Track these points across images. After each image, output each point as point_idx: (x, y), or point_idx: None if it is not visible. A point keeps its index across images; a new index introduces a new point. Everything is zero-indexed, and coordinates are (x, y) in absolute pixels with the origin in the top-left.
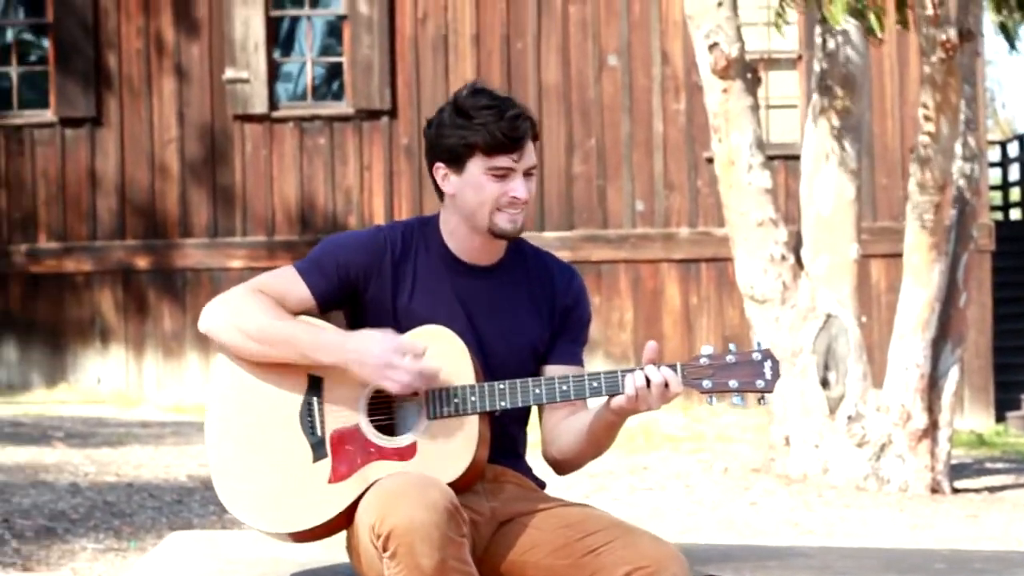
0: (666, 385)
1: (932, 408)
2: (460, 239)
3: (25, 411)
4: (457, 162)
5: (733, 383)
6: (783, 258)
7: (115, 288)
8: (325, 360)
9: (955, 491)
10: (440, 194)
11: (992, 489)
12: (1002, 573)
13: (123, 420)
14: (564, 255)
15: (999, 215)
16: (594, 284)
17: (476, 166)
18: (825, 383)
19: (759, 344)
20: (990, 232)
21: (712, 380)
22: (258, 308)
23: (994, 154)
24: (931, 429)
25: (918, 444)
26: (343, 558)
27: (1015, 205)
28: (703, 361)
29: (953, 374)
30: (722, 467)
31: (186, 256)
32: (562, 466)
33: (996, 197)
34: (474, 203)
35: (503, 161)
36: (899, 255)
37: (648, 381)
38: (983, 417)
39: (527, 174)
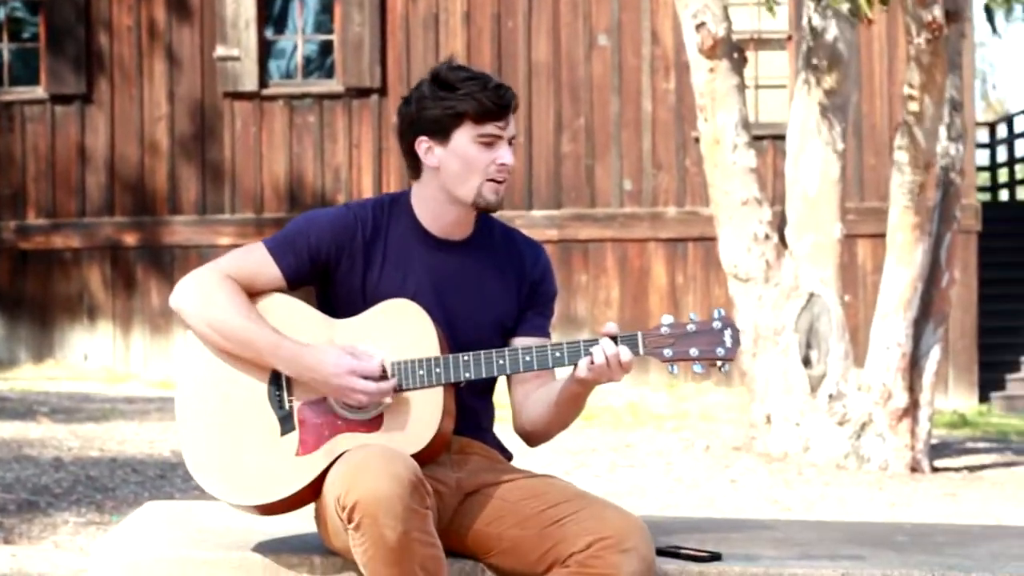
0: (619, 359)
1: (913, 387)
2: (434, 214)
3: (11, 387)
4: (442, 133)
5: (694, 351)
6: (767, 237)
7: (103, 264)
8: (284, 371)
9: (935, 470)
10: (414, 170)
11: (972, 468)
12: (963, 545)
13: (109, 396)
14: (552, 234)
15: (987, 196)
16: (581, 263)
17: (463, 135)
18: (807, 362)
19: (719, 312)
20: (976, 213)
21: (673, 349)
22: (227, 303)
23: (984, 135)
24: (912, 408)
25: (898, 423)
26: (312, 528)
27: (1003, 186)
28: (664, 330)
29: (935, 354)
30: (704, 445)
31: (174, 233)
32: (532, 438)
33: (985, 178)
34: (461, 172)
35: (491, 128)
36: (885, 235)
37: (604, 354)
38: (967, 397)
39: (509, 143)
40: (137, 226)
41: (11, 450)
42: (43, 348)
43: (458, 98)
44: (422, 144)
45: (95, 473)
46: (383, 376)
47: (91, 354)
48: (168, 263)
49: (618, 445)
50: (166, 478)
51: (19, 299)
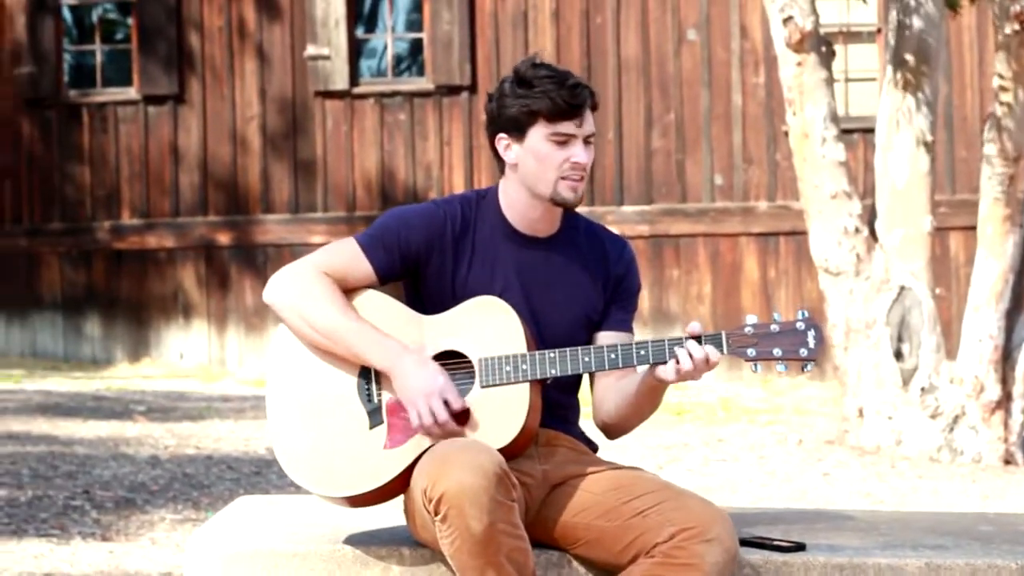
0: (707, 360)
1: (1006, 379)
2: (519, 210)
3: (108, 385)
4: (519, 130)
5: (777, 351)
6: (857, 231)
7: (197, 264)
8: (377, 367)
9: None
10: (501, 166)
11: None
12: None
13: (205, 394)
14: (643, 229)
15: None
16: (673, 258)
17: (538, 133)
18: (899, 355)
19: (803, 313)
20: None
21: (756, 349)
22: (323, 298)
23: None
24: (1004, 400)
25: (991, 416)
26: (401, 521)
27: None
28: (748, 330)
29: None
30: (796, 439)
31: (267, 231)
32: (611, 430)
33: None
34: (537, 170)
35: (564, 127)
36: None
37: (691, 356)
38: None
39: (586, 141)
40: (230, 225)
41: (108, 448)
42: (139, 347)
43: (533, 96)
44: (501, 141)
45: (191, 471)
46: (462, 417)
47: (186, 353)
48: (261, 262)
49: (711, 440)
50: (261, 475)
51: (115, 299)
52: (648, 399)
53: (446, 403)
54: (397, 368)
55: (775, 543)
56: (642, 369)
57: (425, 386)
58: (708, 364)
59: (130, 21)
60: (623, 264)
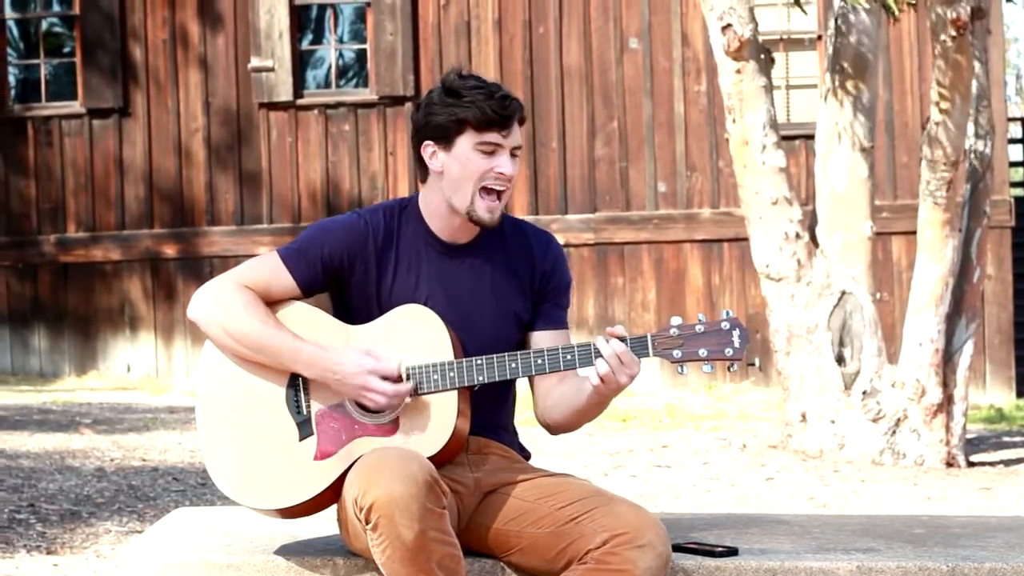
0: (622, 361)
1: (947, 383)
2: (440, 218)
3: (55, 398)
4: (446, 138)
5: (703, 352)
6: (798, 236)
7: (144, 276)
8: (305, 374)
9: (971, 464)
10: (423, 175)
11: (1008, 462)
12: (978, 537)
13: (151, 406)
14: (587, 237)
15: (1022, 191)
16: (617, 265)
17: (466, 142)
18: (840, 359)
19: (728, 313)
20: (1010, 208)
21: (682, 350)
22: (244, 310)
23: (1017, 130)
24: (946, 404)
25: (933, 419)
26: (335, 530)
27: None
28: (673, 332)
29: (968, 349)
30: (740, 444)
31: (213, 243)
32: (555, 429)
33: (1019, 173)
34: (461, 177)
35: (492, 137)
36: None
37: (616, 353)
38: (1004, 392)
39: (512, 153)
40: (176, 237)
41: (54, 461)
42: (86, 360)
43: (462, 105)
44: (427, 148)
45: (137, 483)
46: (400, 379)
47: (133, 365)
48: (207, 273)
49: (655, 446)
50: (207, 486)
51: (61, 312)
52: (595, 407)
53: (385, 379)
54: (321, 368)
55: (708, 548)
56: (586, 373)
57: (354, 377)
58: (623, 362)
59: (74, 35)
60: (549, 260)
